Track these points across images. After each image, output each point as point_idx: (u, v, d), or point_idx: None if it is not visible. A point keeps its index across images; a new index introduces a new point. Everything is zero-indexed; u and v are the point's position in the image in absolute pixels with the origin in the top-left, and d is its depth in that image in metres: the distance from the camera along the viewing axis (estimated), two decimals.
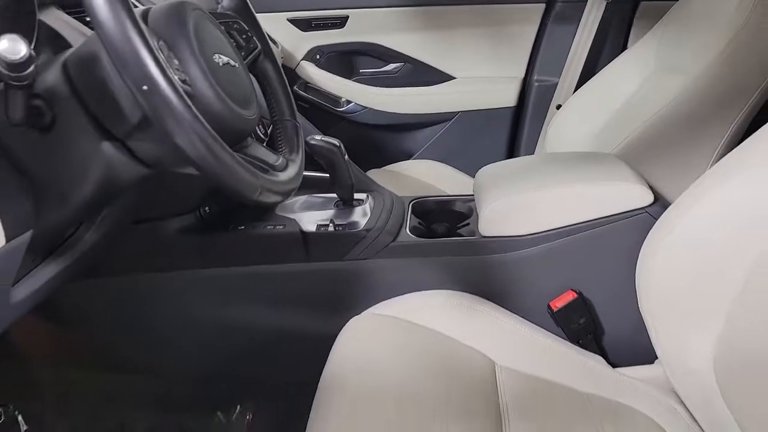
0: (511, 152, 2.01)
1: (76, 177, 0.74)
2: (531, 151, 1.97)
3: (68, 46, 0.91)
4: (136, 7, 0.78)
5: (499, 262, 1.15)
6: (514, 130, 2.00)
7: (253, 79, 0.96)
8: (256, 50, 0.93)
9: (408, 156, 2.01)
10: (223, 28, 0.85)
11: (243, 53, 0.90)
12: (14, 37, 0.61)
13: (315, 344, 1.05)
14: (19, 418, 1.28)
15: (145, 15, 0.75)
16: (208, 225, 1.19)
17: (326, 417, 0.87)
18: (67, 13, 1.03)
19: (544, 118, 1.94)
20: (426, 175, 1.81)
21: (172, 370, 1.25)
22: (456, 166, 1.90)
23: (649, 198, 1.11)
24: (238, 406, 1.28)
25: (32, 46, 0.66)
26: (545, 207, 1.14)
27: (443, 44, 1.98)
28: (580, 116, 1.68)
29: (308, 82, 1.97)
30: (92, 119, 0.72)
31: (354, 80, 2.00)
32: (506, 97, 1.98)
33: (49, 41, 0.92)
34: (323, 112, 1.98)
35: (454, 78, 2.01)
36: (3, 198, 0.68)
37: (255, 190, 0.71)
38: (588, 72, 1.87)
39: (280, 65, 1.07)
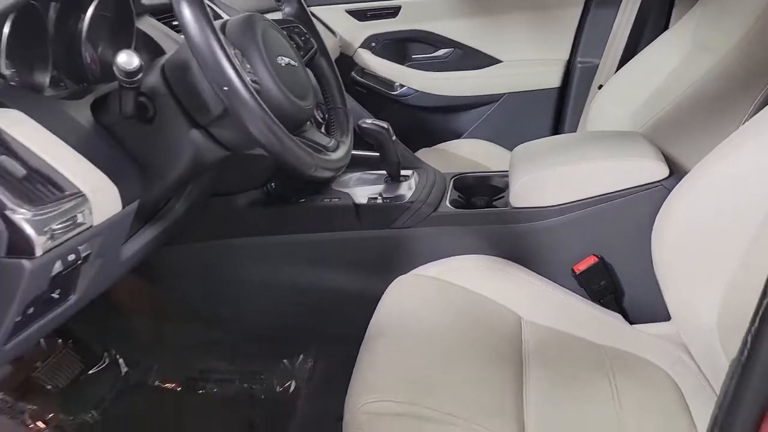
0: (555, 131, 2.12)
1: (171, 158, 0.94)
2: (574, 130, 2.07)
3: (161, 49, 1.11)
4: (216, 19, 0.96)
5: (528, 230, 1.30)
6: (558, 110, 2.11)
7: (311, 73, 1.14)
8: (313, 49, 1.11)
9: (457, 136, 2.15)
10: (285, 33, 1.03)
11: (302, 53, 1.08)
12: (130, 52, 0.80)
13: (365, 301, 1.22)
14: (121, 361, 1.52)
15: (223, 27, 0.93)
16: (273, 199, 1.38)
17: (372, 355, 1.05)
18: (157, 20, 1.23)
19: (586, 97, 2.04)
20: (472, 153, 1.95)
21: (245, 323, 1.46)
22: (502, 145, 2.02)
23: (664, 172, 1.23)
24: (301, 355, 1.48)
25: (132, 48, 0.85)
26: (569, 181, 1.27)
27: (490, 30, 2.10)
28: (621, 96, 1.77)
29: (365, 69, 2.14)
30: (184, 112, 0.91)
31: (407, 65, 2.15)
32: (550, 78, 2.08)
33: (146, 46, 1.12)
34: (378, 95, 2.14)
35: (501, 61, 2.13)
36: (118, 174, 0.88)
37: (310, 167, 0.89)
38: (630, 52, 1.95)
39: (334, 59, 1.24)
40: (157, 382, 1.49)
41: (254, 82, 0.87)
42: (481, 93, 2.12)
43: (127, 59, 0.80)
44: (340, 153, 1.01)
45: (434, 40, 2.13)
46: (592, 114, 1.86)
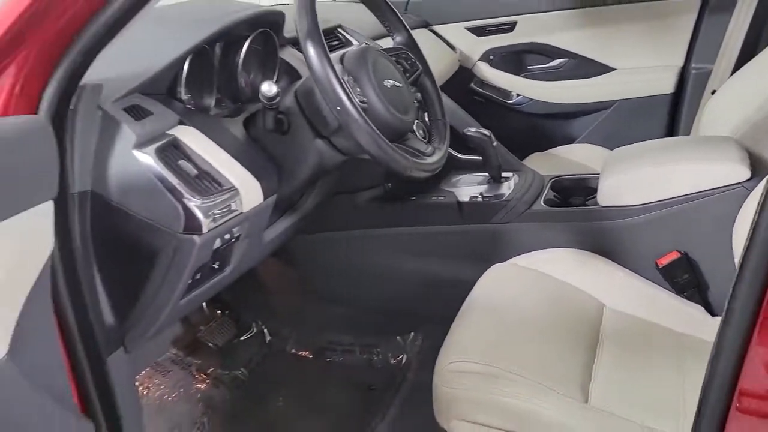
0: (668, 136, 2.17)
1: (301, 161, 1.20)
2: (687, 135, 2.11)
3: (299, 76, 1.39)
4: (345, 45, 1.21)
5: (614, 227, 1.42)
6: (672, 115, 2.16)
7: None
8: (418, 71, 1.33)
9: (570, 141, 2.27)
10: (393, 59, 1.26)
11: (408, 74, 1.30)
12: (270, 83, 1.07)
13: (465, 286, 1.41)
14: (265, 330, 1.83)
15: (342, 57, 1.18)
16: (389, 196, 1.62)
17: (462, 325, 1.24)
18: (297, 50, 1.51)
19: (700, 103, 2.07)
20: (583, 158, 2.06)
21: (365, 302, 1.71)
22: (613, 150, 2.11)
23: (745, 174, 1.31)
24: (412, 333, 1.71)
25: (275, 79, 1.12)
26: (654, 182, 1.39)
27: (604, 40, 2.20)
28: (734, 100, 1.81)
29: (483, 80, 2.32)
30: (311, 126, 1.17)
31: (522, 76, 2.31)
32: (664, 84, 2.14)
33: (287, 72, 1.40)
34: (496, 104, 2.31)
35: (614, 69, 2.22)
36: (262, 174, 1.15)
37: (406, 169, 1.11)
38: (744, 57, 1.97)
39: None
40: (293, 350, 1.79)
41: (363, 101, 1.11)
42: (594, 100, 2.22)
43: (268, 88, 1.07)
44: (435, 158, 1.22)
45: (549, 52, 2.27)
46: (705, 119, 1.90)
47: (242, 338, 1.81)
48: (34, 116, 0.83)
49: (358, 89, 1.12)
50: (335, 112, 1.04)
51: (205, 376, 1.67)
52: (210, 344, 1.72)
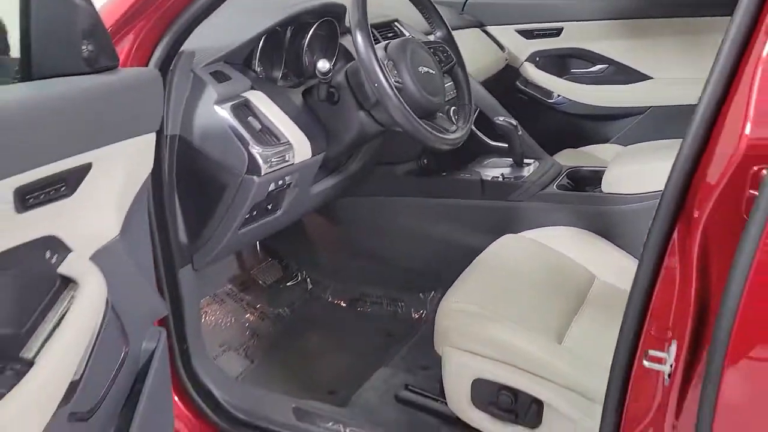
0: None
1: (346, 128, 1.46)
2: None
3: (353, 59, 1.65)
4: (391, 39, 1.47)
5: (614, 212, 1.63)
6: None
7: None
8: (452, 62, 1.57)
9: (604, 141, 2.45)
10: (430, 50, 1.50)
11: (442, 65, 1.54)
12: (325, 61, 1.34)
13: (480, 253, 1.64)
14: (308, 279, 2.11)
15: (387, 45, 1.43)
16: (424, 170, 1.87)
17: (467, 276, 1.48)
18: None
19: None
20: (609, 156, 2.24)
21: (395, 261, 1.97)
22: None
23: None
24: (433, 292, 1.95)
25: (333, 62, 1.39)
26: (656, 175, 1.57)
27: (643, 50, 2.37)
28: None
29: (528, 79, 2.53)
30: (355, 99, 1.43)
31: (564, 78, 2.50)
32: (695, 95, 2.29)
33: (345, 56, 1.66)
34: (537, 102, 2.51)
35: (651, 78, 2.39)
36: (313, 135, 1.42)
37: (429, 140, 1.36)
38: None
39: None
40: (330, 298, 2.06)
41: (398, 82, 1.36)
42: (628, 105, 2.40)
43: (323, 65, 1.34)
44: (457, 135, 1.46)
45: (591, 57, 2.45)
46: None
47: (288, 284, 2.09)
48: (147, 67, 1.12)
49: (396, 72, 1.37)
50: (374, 89, 1.30)
51: (254, 310, 1.96)
52: (260, 282, 2.01)
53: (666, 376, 0.90)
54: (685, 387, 0.88)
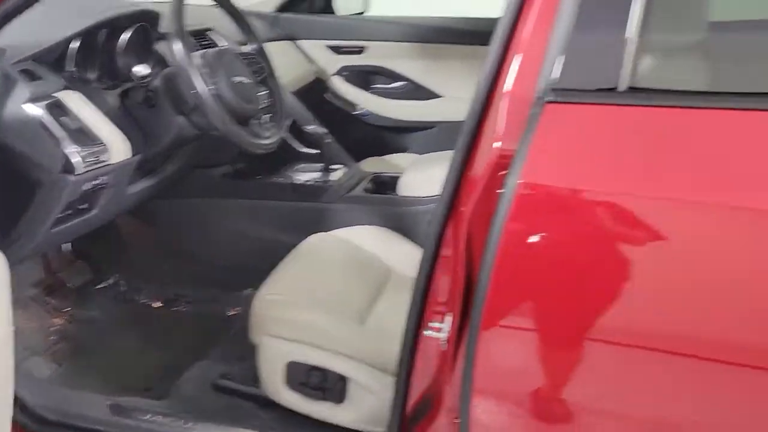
0: None
1: (163, 131, 1.53)
2: None
3: (167, 64, 1.71)
4: (205, 47, 1.56)
5: (408, 212, 1.87)
6: None
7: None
8: (264, 74, 1.70)
9: (402, 151, 2.72)
10: (245, 61, 1.62)
11: (256, 75, 1.67)
12: (144, 65, 1.40)
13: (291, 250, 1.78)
14: (121, 281, 2.11)
15: (204, 55, 1.53)
16: (239, 173, 1.97)
17: (279, 270, 1.61)
18: None
19: None
20: (407, 164, 2.51)
21: (210, 262, 2.04)
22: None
23: None
24: (248, 288, 2.04)
25: (151, 67, 1.45)
26: (436, 180, 1.83)
27: (436, 71, 2.68)
28: None
29: (335, 92, 2.73)
30: (173, 104, 1.50)
31: (369, 92, 2.74)
32: None
33: (160, 61, 1.72)
34: (344, 114, 2.72)
35: (442, 96, 2.71)
36: (131, 136, 1.46)
37: (246, 144, 1.48)
38: None
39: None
40: (144, 300, 2.08)
41: (213, 89, 1.46)
42: (423, 119, 2.70)
43: (140, 69, 1.41)
44: (270, 140, 1.59)
45: (392, 75, 2.71)
46: None
47: (99, 286, 2.07)
48: None
49: (212, 80, 1.47)
50: (191, 95, 1.39)
51: (61, 314, 1.92)
52: (69, 284, 1.97)
53: (444, 342, 1.11)
54: (458, 349, 1.09)
